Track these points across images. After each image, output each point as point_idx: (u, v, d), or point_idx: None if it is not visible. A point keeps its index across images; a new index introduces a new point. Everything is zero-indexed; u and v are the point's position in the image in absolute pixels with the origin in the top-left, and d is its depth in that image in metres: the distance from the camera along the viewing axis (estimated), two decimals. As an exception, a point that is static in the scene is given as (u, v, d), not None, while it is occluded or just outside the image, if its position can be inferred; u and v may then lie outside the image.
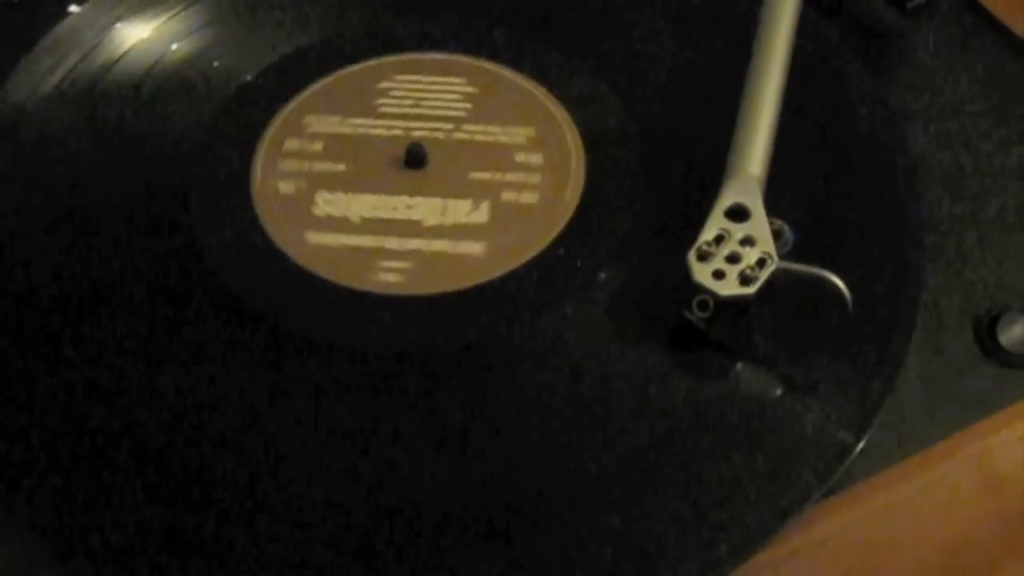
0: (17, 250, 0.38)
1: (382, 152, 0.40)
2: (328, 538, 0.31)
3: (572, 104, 0.42)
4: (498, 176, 0.40)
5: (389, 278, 0.37)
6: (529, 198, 0.39)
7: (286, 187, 0.39)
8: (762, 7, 0.41)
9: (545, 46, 0.44)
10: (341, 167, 0.40)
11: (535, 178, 0.40)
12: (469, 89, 0.42)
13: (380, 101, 0.42)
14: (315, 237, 0.38)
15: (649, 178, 0.39)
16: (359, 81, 0.43)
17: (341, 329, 0.35)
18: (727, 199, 0.36)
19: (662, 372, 0.35)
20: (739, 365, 0.35)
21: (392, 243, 0.38)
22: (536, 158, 0.40)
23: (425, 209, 0.39)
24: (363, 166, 0.40)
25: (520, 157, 0.40)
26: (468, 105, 0.42)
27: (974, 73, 0.45)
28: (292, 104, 0.42)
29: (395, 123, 0.41)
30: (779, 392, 0.34)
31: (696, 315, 0.34)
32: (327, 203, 0.39)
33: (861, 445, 0.33)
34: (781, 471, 0.33)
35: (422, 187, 0.39)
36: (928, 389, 0.37)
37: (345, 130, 0.41)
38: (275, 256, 0.37)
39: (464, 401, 0.34)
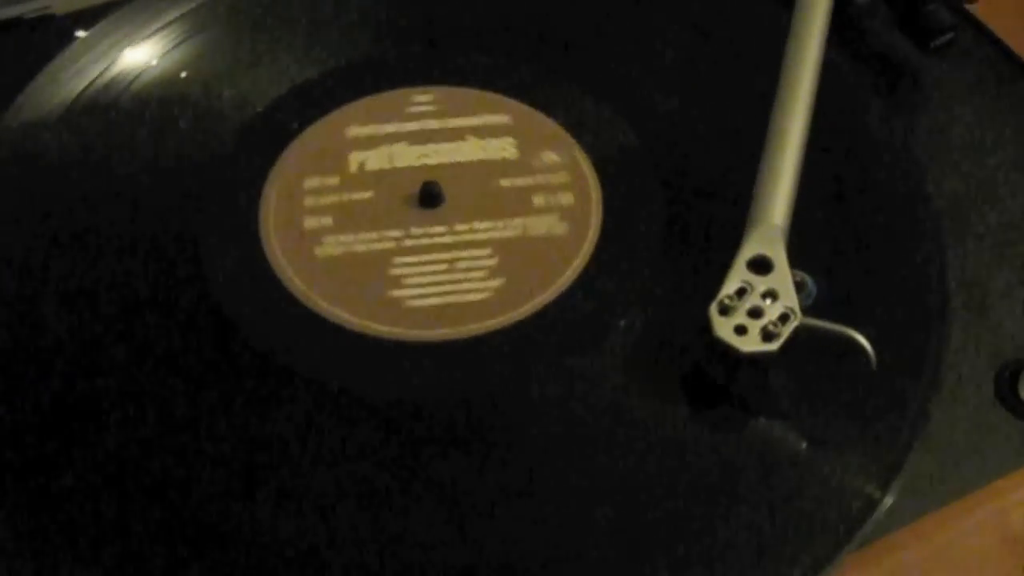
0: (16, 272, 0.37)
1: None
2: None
3: (591, 144, 0.41)
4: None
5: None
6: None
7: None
8: (786, 49, 0.41)
9: (547, 76, 0.43)
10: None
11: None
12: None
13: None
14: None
15: (668, 222, 0.39)
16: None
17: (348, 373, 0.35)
18: (749, 250, 0.35)
19: (678, 426, 0.34)
20: (759, 419, 0.34)
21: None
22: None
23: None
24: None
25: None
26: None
27: (999, 115, 0.44)
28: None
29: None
30: (801, 447, 0.33)
31: (716, 370, 0.34)
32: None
33: (888, 502, 0.33)
34: (804, 529, 0.32)
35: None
36: (946, 444, 0.36)
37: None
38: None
39: (470, 454, 0.33)
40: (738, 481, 0.33)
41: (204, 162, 0.40)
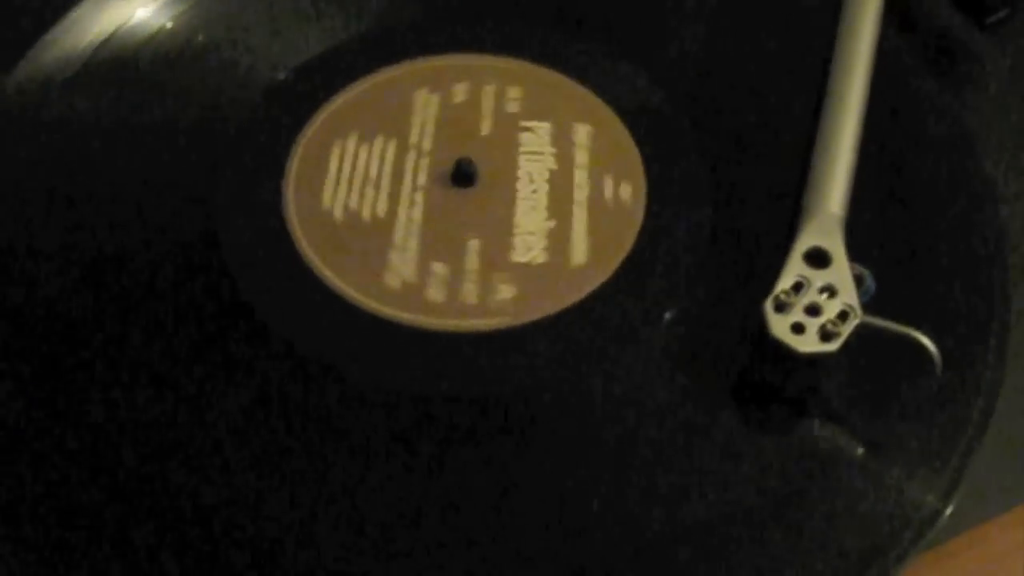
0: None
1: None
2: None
3: (621, 104, 0.39)
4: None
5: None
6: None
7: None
8: (840, 25, 0.38)
9: (577, 41, 0.40)
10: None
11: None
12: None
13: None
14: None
15: (714, 210, 0.36)
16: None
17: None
18: (806, 241, 0.33)
19: (727, 429, 0.32)
20: (814, 422, 0.32)
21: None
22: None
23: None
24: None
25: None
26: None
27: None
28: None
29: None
30: (857, 453, 0.31)
31: (769, 370, 0.32)
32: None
33: (950, 511, 0.31)
34: (859, 540, 0.30)
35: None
36: (1006, 448, 0.34)
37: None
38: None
39: (505, 452, 0.32)
40: (790, 488, 0.31)
41: (223, 131, 0.38)
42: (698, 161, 0.37)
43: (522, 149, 0.37)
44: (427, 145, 0.37)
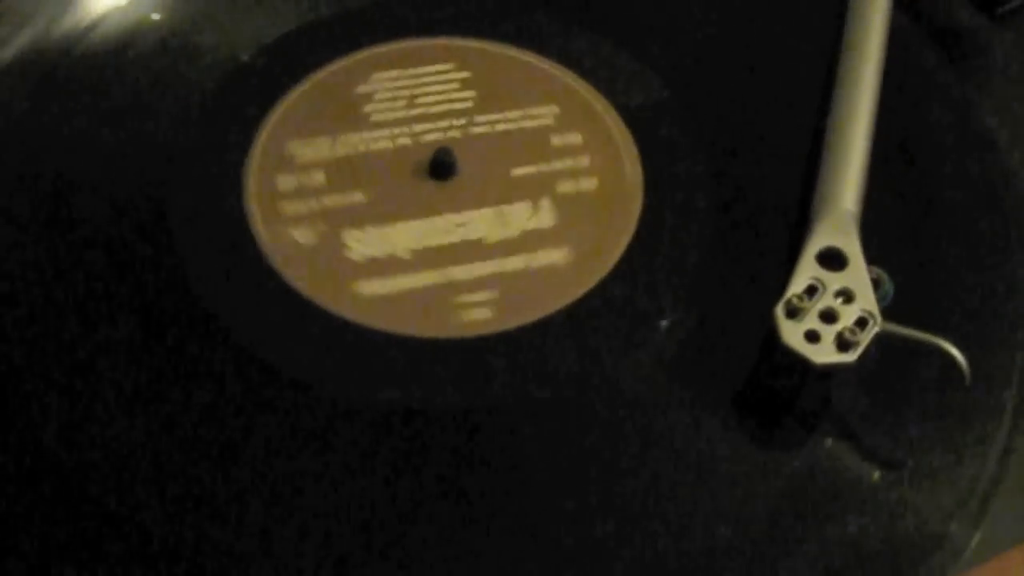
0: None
1: (398, 167, 0.34)
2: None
3: (595, 77, 0.36)
4: (544, 166, 0.34)
5: (475, 315, 0.30)
6: (588, 184, 0.33)
7: (303, 235, 0.32)
8: (849, 13, 0.36)
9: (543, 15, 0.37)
10: (359, 196, 0.33)
11: (584, 160, 0.34)
12: (464, 74, 0.36)
13: (368, 108, 0.35)
14: (367, 287, 0.31)
15: (717, 207, 0.33)
16: (332, 89, 0.36)
17: (445, 390, 0.29)
18: (819, 241, 0.30)
19: (731, 445, 0.29)
20: (826, 440, 0.29)
21: (461, 272, 0.31)
22: (574, 137, 0.34)
23: (480, 224, 0.32)
24: (384, 189, 0.33)
25: (556, 140, 0.34)
26: (471, 92, 0.35)
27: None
28: (264, 132, 0.34)
29: (397, 130, 0.34)
30: (875, 476, 0.28)
31: (778, 381, 0.29)
32: (361, 243, 0.32)
33: (975, 542, 0.28)
34: (880, 572, 0.27)
35: (462, 198, 0.33)
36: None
37: (342, 151, 0.34)
38: (326, 322, 0.30)
39: (487, 466, 0.28)
40: (800, 513, 0.28)
41: (178, 119, 0.34)
42: (698, 154, 0.34)
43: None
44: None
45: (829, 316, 0.28)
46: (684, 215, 0.33)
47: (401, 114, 0.35)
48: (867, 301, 0.29)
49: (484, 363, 0.30)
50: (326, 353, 0.30)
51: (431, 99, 0.35)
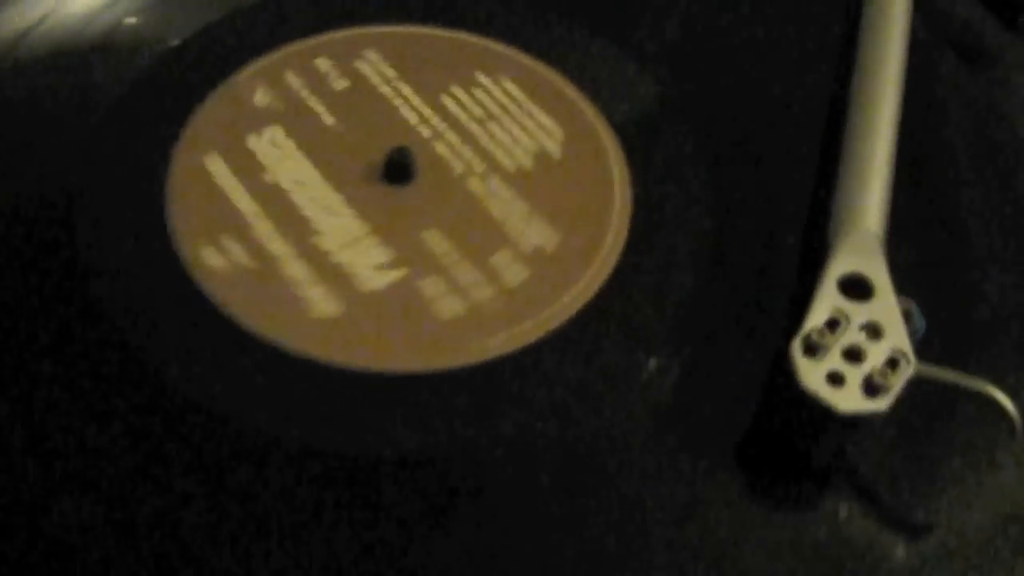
0: None
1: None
2: None
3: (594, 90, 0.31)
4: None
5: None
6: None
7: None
8: (864, 19, 0.32)
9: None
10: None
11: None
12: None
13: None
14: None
15: (716, 217, 0.29)
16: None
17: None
18: (840, 265, 0.25)
19: (731, 504, 0.24)
20: (844, 501, 0.24)
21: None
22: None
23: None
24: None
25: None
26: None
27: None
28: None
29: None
30: (899, 554, 0.24)
31: (796, 433, 0.24)
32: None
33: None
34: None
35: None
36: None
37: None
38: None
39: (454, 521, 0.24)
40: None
41: (93, 115, 0.30)
42: (694, 162, 0.30)
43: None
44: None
45: (854, 354, 0.24)
46: (677, 234, 0.28)
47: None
48: (898, 337, 0.24)
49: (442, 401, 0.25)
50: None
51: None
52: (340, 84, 0.31)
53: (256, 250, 0.27)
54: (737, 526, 0.24)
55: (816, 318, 0.24)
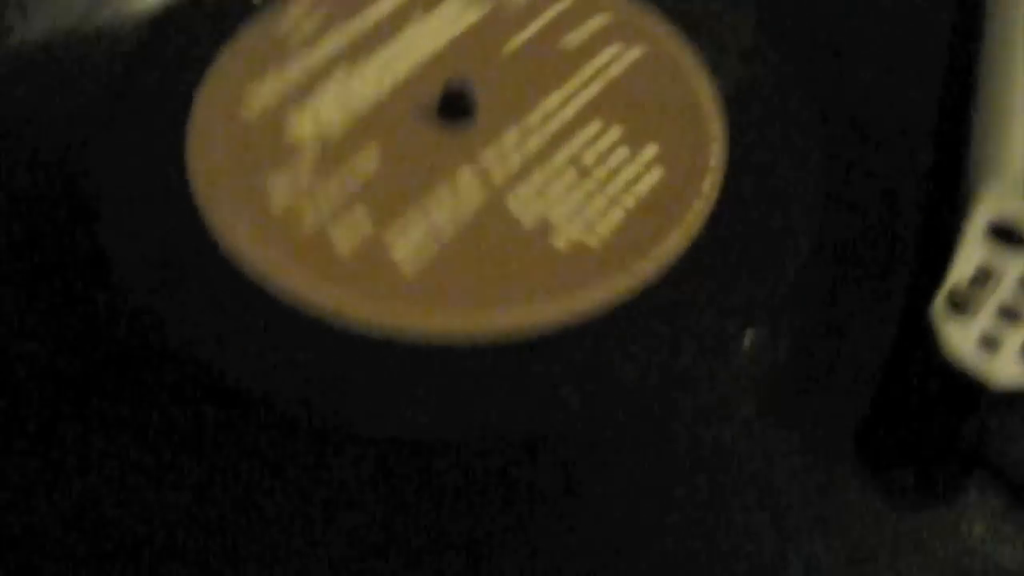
0: None
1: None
2: None
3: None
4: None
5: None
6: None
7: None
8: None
9: None
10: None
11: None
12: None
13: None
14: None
15: (829, 160, 0.25)
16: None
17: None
18: (986, 210, 0.21)
19: (851, 498, 0.20)
20: (992, 493, 0.20)
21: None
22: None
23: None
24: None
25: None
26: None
27: None
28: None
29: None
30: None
31: (938, 411, 0.20)
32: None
33: None
34: None
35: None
36: None
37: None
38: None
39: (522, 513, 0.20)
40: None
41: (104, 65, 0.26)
42: (802, 122, 0.26)
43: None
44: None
45: (1011, 314, 0.19)
46: (776, 184, 0.24)
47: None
48: (1063, 294, 0.20)
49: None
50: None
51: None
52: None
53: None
54: (859, 528, 0.20)
55: (962, 269, 0.20)
